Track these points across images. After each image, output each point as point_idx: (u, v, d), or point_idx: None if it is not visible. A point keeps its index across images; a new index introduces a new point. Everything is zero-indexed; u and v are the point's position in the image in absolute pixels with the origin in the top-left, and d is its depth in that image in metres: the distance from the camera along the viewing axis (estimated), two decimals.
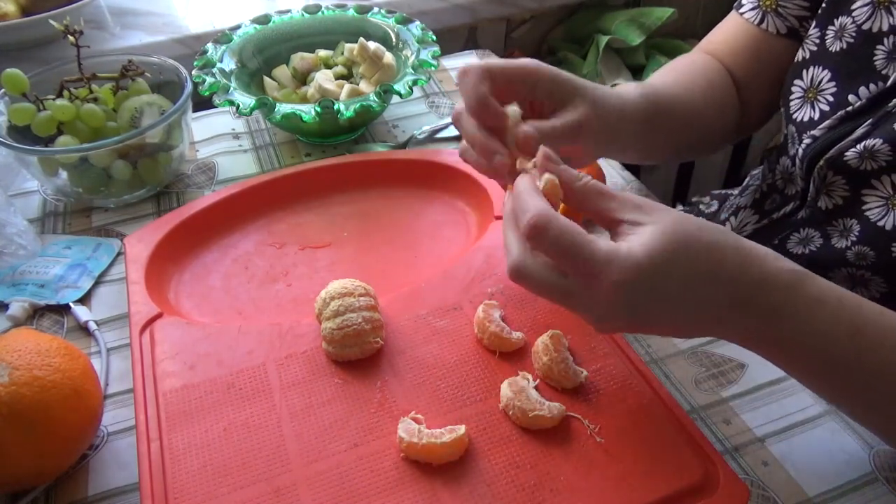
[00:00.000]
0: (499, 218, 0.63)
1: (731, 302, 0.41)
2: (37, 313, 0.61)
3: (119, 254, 0.67)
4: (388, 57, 0.81)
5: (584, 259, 0.39)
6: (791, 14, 0.66)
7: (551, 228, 0.39)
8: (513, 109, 0.49)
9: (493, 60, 0.51)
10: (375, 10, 0.87)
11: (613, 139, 0.56)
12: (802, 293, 0.42)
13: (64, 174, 0.70)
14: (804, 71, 0.64)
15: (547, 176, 0.44)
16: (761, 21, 0.67)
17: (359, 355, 0.51)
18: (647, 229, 0.41)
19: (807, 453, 0.49)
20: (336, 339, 0.50)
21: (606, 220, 0.43)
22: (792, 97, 0.65)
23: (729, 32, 0.71)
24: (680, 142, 0.66)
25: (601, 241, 0.40)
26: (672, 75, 0.67)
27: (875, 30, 0.58)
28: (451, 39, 1.27)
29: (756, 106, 0.71)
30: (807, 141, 0.62)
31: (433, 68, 0.77)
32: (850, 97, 0.59)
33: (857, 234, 0.59)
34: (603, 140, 0.55)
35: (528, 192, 0.42)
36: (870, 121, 0.57)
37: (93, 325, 0.59)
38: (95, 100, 0.71)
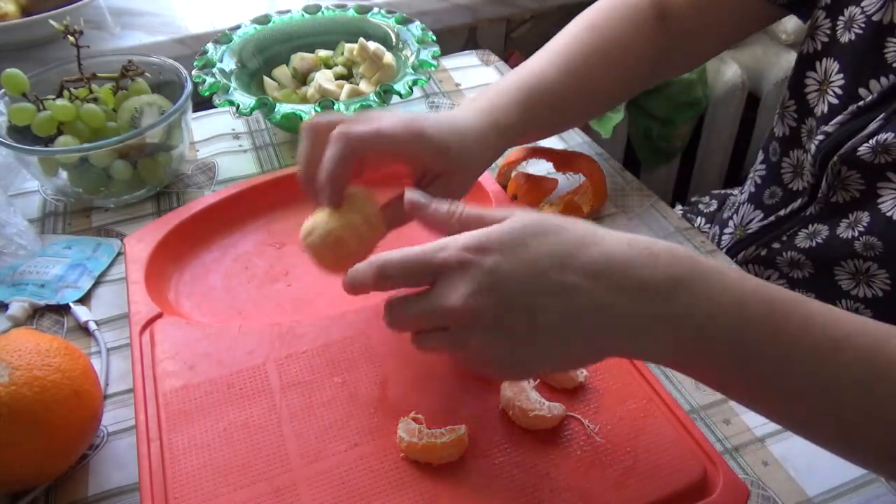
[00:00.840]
0: None
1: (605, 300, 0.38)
2: (37, 313, 0.61)
3: (119, 254, 0.67)
4: (388, 57, 0.81)
5: (431, 255, 0.40)
6: None
7: (392, 264, 0.41)
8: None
9: (385, 133, 0.49)
10: (375, 10, 0.87)
11: (485, 168, 0.57)
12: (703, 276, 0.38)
13: (64, 174, 0.70)
14: (817, 63, 0.62)
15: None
16: None
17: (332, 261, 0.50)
18: (506, 221, 0.40)
19: (807, 453, 0.49)
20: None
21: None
22: (807, 90, 0.64)
23: None
24: (572, 120, 0.67)
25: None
26: (568, 54, 0.64)
27: (886, 21, 0.57)
28: (451, 39, 1.27)
29: (689, 49, 0.70)
30: (819, 137, 0.61)
31: (433, 68, 0.77)
32: (861, 91, 0.58)
33: (865, 224, 0.59)
34: (472, 182, 0.56)
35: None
36: (882, 115, 0.57)
37: (93, 325, 0.59)
38: (95, 100, 0.71)
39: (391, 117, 0.50)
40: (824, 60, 0.62)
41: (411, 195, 0.44)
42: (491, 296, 0.38)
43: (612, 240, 0.39)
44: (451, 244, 0.40)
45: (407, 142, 0.50)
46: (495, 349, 0.40)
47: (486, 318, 0.39)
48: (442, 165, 0.52)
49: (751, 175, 0.76)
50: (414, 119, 0.51)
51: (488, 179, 0.67)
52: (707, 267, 0.39)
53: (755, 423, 0.52)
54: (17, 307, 0.60)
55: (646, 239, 0.40)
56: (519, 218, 0.40)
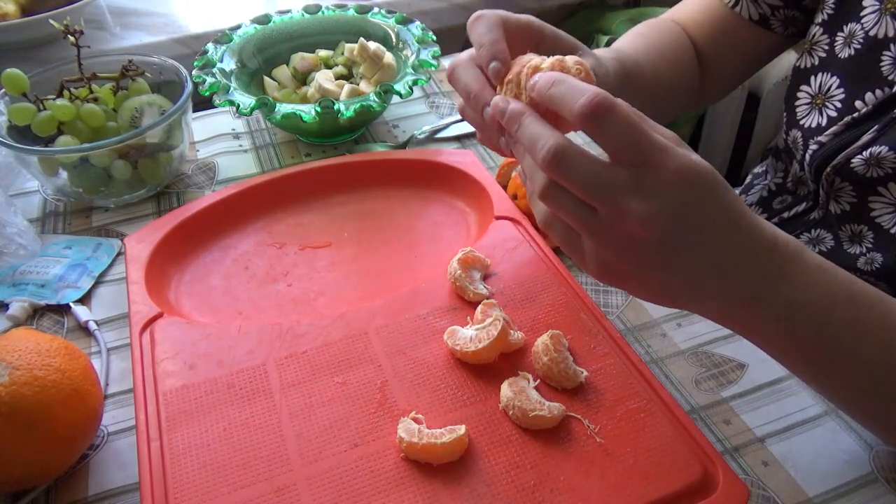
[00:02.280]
0: (499, 218, 0.63)
1: (743, 250, 0.40)
2: (37, 313, 0.61)
3: (119, 254, 0.67)
4: (388, 57, 0.81)
5: (638, 148, 0.37)
6: (766, 1, 0.66)
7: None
8: (529, 56, 0.47)
9: (502, 11, 0.51)
10: (375, 10, 0.87)
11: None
12: (804, 260, 0.42)
13: (64, 174, 0.70)
14: (812, 77, 0.63)
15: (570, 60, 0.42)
16: (735, 4, 0.68)
17: None
18: (690, 155, 0.39)
19: (807, 453, 0.49)
20: None
21: (631, 153, 0.39)
22: (798, 103, 0.65)
23: (700, 6, 0.71)
24: (644, 109, 0.67)
25: (658, 134, 0.38)
26: (640, 41, 0.67)
27: (881, 36, 0.58)
28: (451, 39, 1.27)
29: (715, 80, 0.72)
30: (813, 147, 0.62)
31: (433, 68, 0.77)
32: (857, 103, 0.59)
33: (871, 240, 0.59)
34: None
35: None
36: (875, 127, 0.57)
37: (93, 325, 0.59)
38: (95, 100, 0.71)
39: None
40: (819, 75, 0.63)
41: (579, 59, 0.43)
42: (669, 223, 0.38)
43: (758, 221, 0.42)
44: (662, 162, 0.37)
45: (527, 19, 0.51)
46: (626, 264, 0.40)
47: (647, 233, 0.38)
48: (564, 48, 0.53)
49: (765, 182, 0.76)
50: None
51: (488, 179, 0.67)
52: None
53: (755, 423, 0.52)
54: (17, 307, 0.60)
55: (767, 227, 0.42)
56: (704, 168, 0.39)
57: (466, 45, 1.41)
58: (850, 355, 0.42)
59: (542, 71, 0.43)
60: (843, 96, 0.60)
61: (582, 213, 0.40)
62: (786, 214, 0.68)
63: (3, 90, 0.70)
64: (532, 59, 0.46)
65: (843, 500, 0.47)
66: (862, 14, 0.59)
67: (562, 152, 0.38)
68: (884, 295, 0.43)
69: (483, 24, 0.48)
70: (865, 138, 0.58)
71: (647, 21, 0.72)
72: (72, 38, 0.70)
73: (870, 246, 0.60)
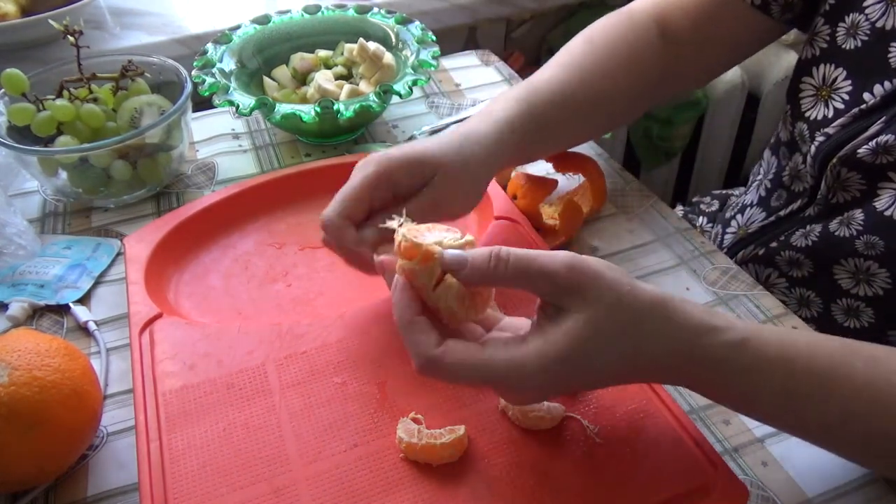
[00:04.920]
0: (499, 218, 0.63)
1: (663, 374, 0.42)
2: (36, 313, 0.61)
3: (119, 254, 0.67)
4: (388, 57, 0.81)
5: (487, 377, 0.40)
6: None
7: (441, 368, 0.40)
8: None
9: (346, 193, 0.51)
10: (375, 10, 0.87)
11: (487, 176, 0.57)
12: (736, 364, 0.41)
13: (64, 174, 0.70)
14: (814, 68, 0.63)
15: (440, 290, 0.41)
16: None
17: None
18: (565, 323, 0.39)
19: (806, 453, 0.49)
20: None
21: (539, 296, 0.41)
22: (802, 95, 0.64)
23: None
24: (579, 135, 0.67)
25: (500, 357, 0.39)
26: (570, 67, 0.64)
27: (889, 27, 0.57)
28: (451, 39, 1.27)
29: (699, 67, 0.70)
30: (820, 139, 0.61)
31: (433, 68, 0.77)
32: (865, 95, 0.59)
33: (861, 222, 0.59)
34: (476, 188, 0.56)
35: (409, 328, 0.40)
36: (884, 118, 0.57)
37: (92, 326, 0.59)
38: (95, 100, 0.71)
39: (357, 167, 0.52)
40: (822, 66, 0.62)
41: (448, 255, 0.41)
42: (558, 385, 0.41)
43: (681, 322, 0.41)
44: (525, 371, 0.39)
45: (371, 175, 0.51)
46: (532, 400, 0.44)
47: (545, 388, 0.41)
48: (421, 175, 0.52)
49: (759, 178, 0.76)
50: (377, 153, 0.53)
51: None
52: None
53: (755, 423, 0.52)
54: (16, 307, 0.60)
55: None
56: (592, 309, 0.39)
57: (467, 45, 1.41)
58: (793, 431, 0.44)
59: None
60: (850, 88, 0.60)
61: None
62: (782, 212, 0.68)
63: (3, 90, 0.70)
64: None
65: (842, 501, 0.47)
66: (865, 4, 0.59)
67: (432, 364, 0.40)
68: (828, 372, 0.41)
69: (332, 237, 0.51)
70: (873, 129, 0.57)
71: (590, 29, 0.68)
72: (71, 39, 0.70)
73: (860, 228, 0.59)
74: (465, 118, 0.55)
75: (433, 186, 0.52)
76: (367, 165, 0.51)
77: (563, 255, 0.39)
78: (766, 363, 0.41)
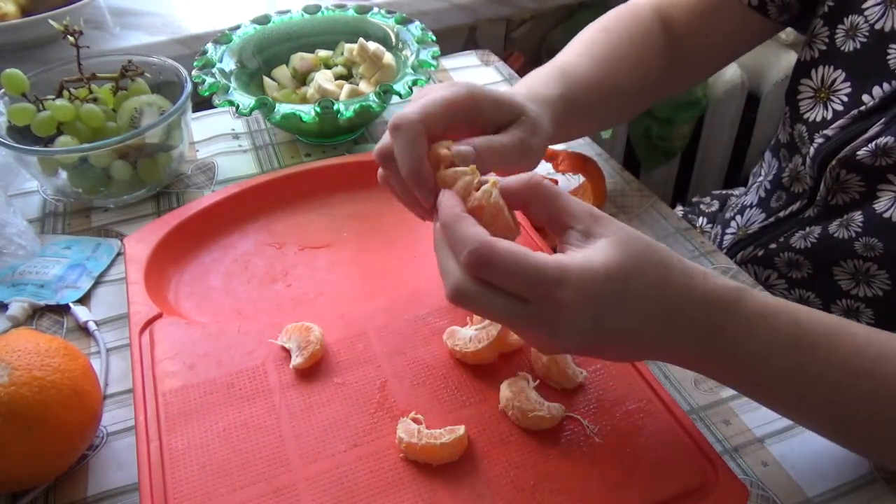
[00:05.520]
0: None
1: (676, 320, 0.41)
2: (36, 313, 0.61)
3: (119, 254, 0.67)
4: (388, 57, 0.81)
5: (535, 280, 0.37)
6: None
7: (494, 258, 0.37)
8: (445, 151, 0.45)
9: (431, 101, 0.45)
10: (375, 10, 0.87)
11: (548, 144, 0.55)
12: (742, 310, 0.41)
13: (64, 174, 0.70)
14: (813, 70, 0.63)
15: (486, 187, 0.41)
16: None
17: None
18: (602, 241, 0.40)
19: (806, 453, 0.49)
20: None
21: (557, 224, 0.42)
22: (800, 96, 0.64)
23: None
24: (597, 121, 0.68)
25: (550, 259, 0.38)
26: (590, 52, 0.64)
27: (888, 29, 0.57)
28: (451, 39, 1.27)
29: (694, 64, 0.70)
30: (819, 140, 0.61)
31: (433, 68, 0.77)
32: (864, 97, 0.59)
33: (860, 223, 0.59)
34: (545, 147, 0.54)
35: (459, 220, 0.39)
36: (883, 120, 0.57)
37: (92, 326, 0.59)
38: (95, 100, 0.71)
39: (437, 87, 0.48)
40: (821, 68, 0.62)
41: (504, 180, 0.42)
42: (585, 333, 0.39)
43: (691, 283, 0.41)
44: (563, 288, 0.37)
45: (461, 96, 0.47)
46: (570, 344, 0.41)
47: (572, 343, 0.40)
48: (507, 114, 0.50)
49: (760, 179, 0.76)
50: (457, 81, 0.50)
51: None
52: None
53: (755, 423, 0.52)
54: (16, 307, 0.60)
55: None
56: (618, 251, 0.39)
57: (467, 45, 1.41)
58: (799, 399, 0.43)
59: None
60: (849, 90, 0.60)
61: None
62: (782, 214, 0.68)
63: (3, 90, 0.70)
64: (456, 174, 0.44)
65: (842, 501, 0.47)
66: (864, 6, 0.59)
67: (485, 253, 0.38)
68: (830, 328, 0.42)
69: (402, 140, 0.44)
70: (872, 131, 0.58)
71: (603, 18, 0.68)
72: (71, 39, 0.70)
73: (859, 230, 0.59)
74: None
75: (521, 126, 0.49)
76: (455, 86, 0.48)
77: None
78: (772, 307, 0.42)
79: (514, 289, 0.38)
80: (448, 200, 0.41)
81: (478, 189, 0.43)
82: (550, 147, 0.75)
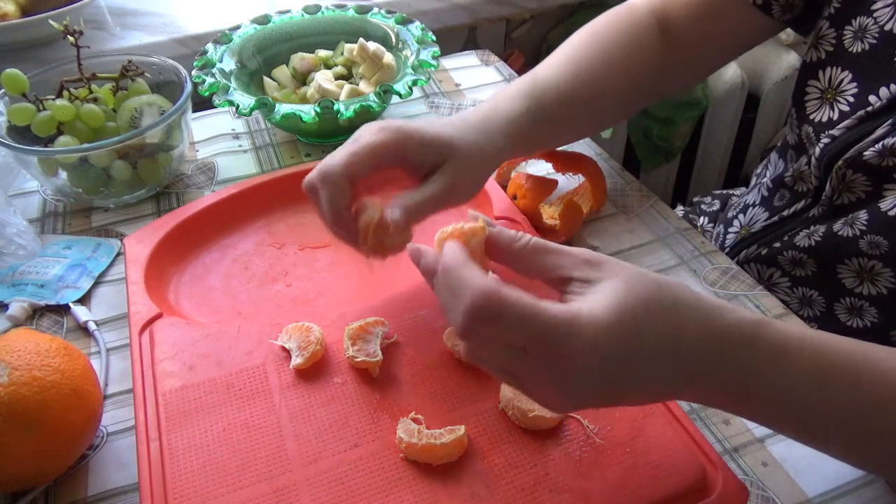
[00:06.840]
0: (499, 218, 0.63)
1: (696, 360, 0.38)
2: (36, 313, 0.61)
3: (119, 254, 0.67)
4: (388, 57, 0.81)
5: (539, 334, 0.36)
6: None
7: (501, 308, 0.35)
8: (371, 209, 0.49)
9: (358, 149, 0.49)
10: (375, 10, 0.87)
11: (495, 166, 0.57)
12: (762, 346, 0.39)
13: (64, 174, 0.70)
14: (820, 72, 0.63)
15: (471, 234, 0.41)
16: None
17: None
18: (603, 286, 0.38)
19: (806, 454, 0.49)
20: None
21: (553, 278, 0.40)
22: (807, 98, 0.64)
23: None
24: (577, 129, 0.67)
25: (555, 308, 0.36)
26: (572, 59, 0.64)
27: None
28: (451, 39, 1.27)
29: (695, 62, 0.70)
30: (825, 141, 0.61)
31: (433, 68, 0.77)
32: (871, 98, 0.59)
33: (865, 222, 0.59)
34: (481, 180, 0.56)
35: (462, 265, 0.38)
36: (890, 121, 0.57)
37: (92, 326, 0.59)
38: (95, 100, 0.71)
39: (368, 130, 0.51)
40: (828, 69, 0.62)
41: (475, 213, 0.42)
42: (599, 387, 0.37)
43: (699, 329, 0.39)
44: (570, 343, 0.35)
45: (386, 142, 0.50)
46: (582, 401, 0.39)
47: (585, 400, 0.38)
48: (435, 154, 0.52)
49: (764, 180, 0.76)
50: (390, 121, 0.52)
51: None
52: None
53: (754, 423, 0.52)
54: (16, 307, 0.60)
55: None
56: (624, 296, 0.37)
57: (467, 45, 1.41)
58: (826, 434, 0.41)
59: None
60: (855, 91, 0.60)
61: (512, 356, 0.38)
62: (786, 213, 0.68)
63: (3, 90, 0.70)
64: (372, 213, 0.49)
65: (842, 501, 0.47)
66: (874, 8, 0.59)
67: (490, 298, 0.36)
68: (856, 354, 0.40)
69: (326, 194, 0.49)
70: (879, 131, 0.58)
71: (594, 22, 0.68)
72: (71, 39, 0.70)
73: (864, 228, 0.59)
74: None
75: (446, 173, 0.51)
76: (381, 132, 0.50)
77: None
78: (795, 340, 0.39)
79: (516, 340, 0.37)
80: (454, 247, 0.40)
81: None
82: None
